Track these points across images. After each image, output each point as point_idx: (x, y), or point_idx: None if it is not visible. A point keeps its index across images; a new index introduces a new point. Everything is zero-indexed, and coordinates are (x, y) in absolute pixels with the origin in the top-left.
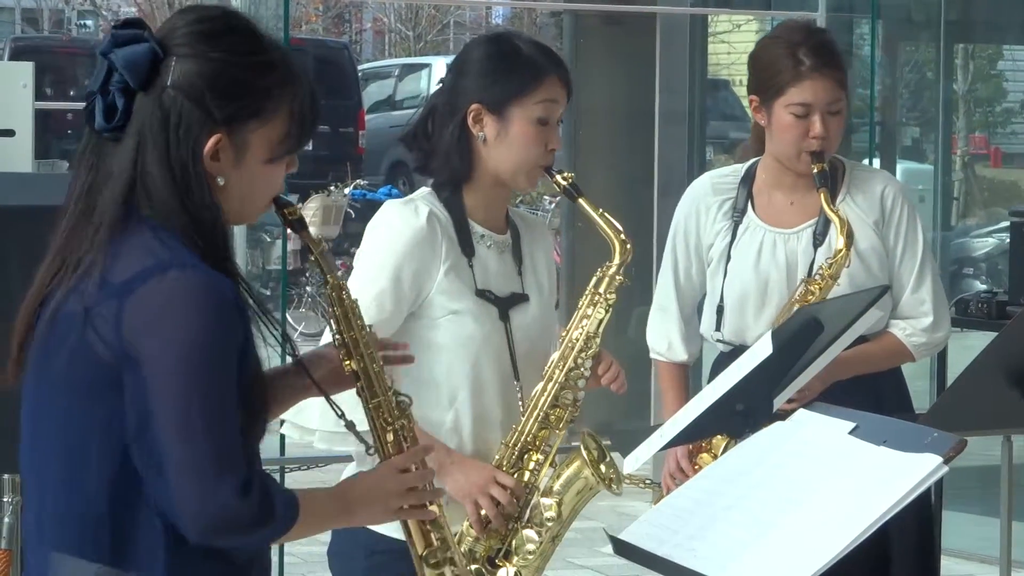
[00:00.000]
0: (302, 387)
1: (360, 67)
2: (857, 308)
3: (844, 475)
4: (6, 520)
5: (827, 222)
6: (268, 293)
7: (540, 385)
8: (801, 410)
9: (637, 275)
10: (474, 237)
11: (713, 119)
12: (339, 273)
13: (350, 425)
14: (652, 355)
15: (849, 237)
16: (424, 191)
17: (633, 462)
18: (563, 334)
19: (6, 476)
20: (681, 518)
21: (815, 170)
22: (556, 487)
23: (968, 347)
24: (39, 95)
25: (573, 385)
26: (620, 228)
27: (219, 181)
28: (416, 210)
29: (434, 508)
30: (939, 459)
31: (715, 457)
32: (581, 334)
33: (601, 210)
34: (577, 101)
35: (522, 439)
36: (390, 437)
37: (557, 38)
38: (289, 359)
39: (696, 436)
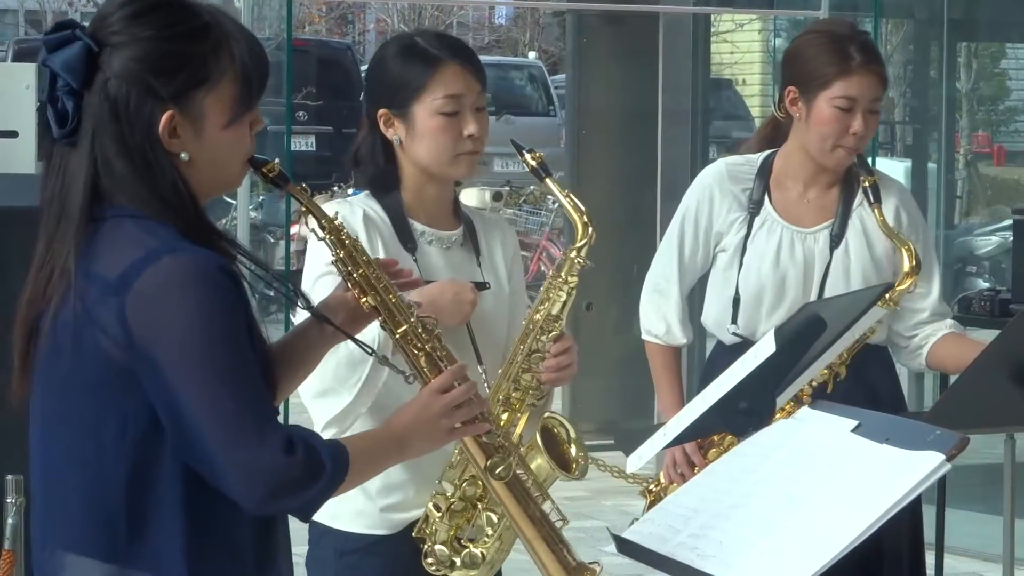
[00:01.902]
0: (322, 339)
1: (363, 68)
2: (860, 306)
3: (847, 473)
4: (9, 521)
5: (843, 224)
6: (272, 294)
7: (502, 368)
8: (804, 408)
9: (640, 273)
10: (415, 234)
11: (716, 118)
12: (333, 214)
13: (384, 359)
14: (647, 337)
15: (917, 264)
16: (364, 194)
17: (636, 461)
18: (526, 318)
19: (9, 477)
20: (684, 516)
21: (866, 183)
22: None
23: None
24: (42, 97)
25: (535, 367)
26: (584, 210)
27: (183, 157)
28: (351, 212)
29: (486, 421)
30: (942, 457)
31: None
32: (542, 316)
33: (567, 191)
34: (580, 100)
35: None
36: (424, 360)
37: (560, 38)
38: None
39: (699, 434)
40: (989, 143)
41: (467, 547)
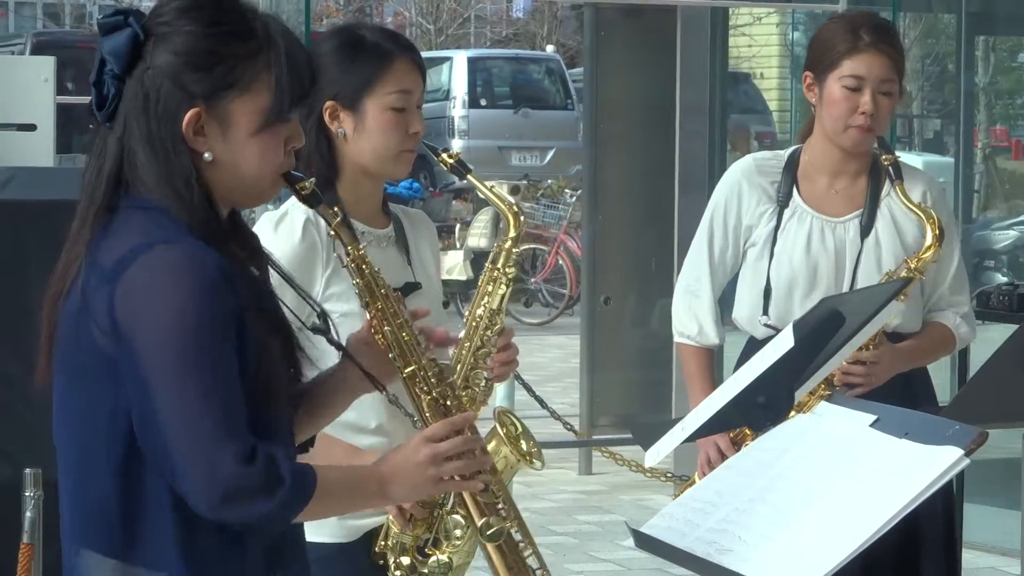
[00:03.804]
0: (345, 384)
1: None
2: (879, 300)
3: (866, 467)
4: (28, 514)
5: (872, 212)
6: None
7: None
8: (823, 403)
9: (659, 267)
10: (357, 234)
11: (734, 112)
12: (360, 245)
13: (394, 399)
14: (679, 339)
15: (940, 234)
16: None
17: (654, 456)
18: (467, 313)
19: (28, 471)
20: (703, 511)
21: (887, 162)
22: None
23: (989, 339)
24: (60, 90)
25: (482, 364)
26: (512, 201)
27: (207, 157)
28: (291, 226)
29: (483, 478)
30: (960, 452)
31: None
32: (484, 311)
33: (491, 185)
34: (597, 94)
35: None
36: (424, 405)
37: (578, 31)
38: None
39: (718, 429)
40: (1007, 137)
41: (432, 554)
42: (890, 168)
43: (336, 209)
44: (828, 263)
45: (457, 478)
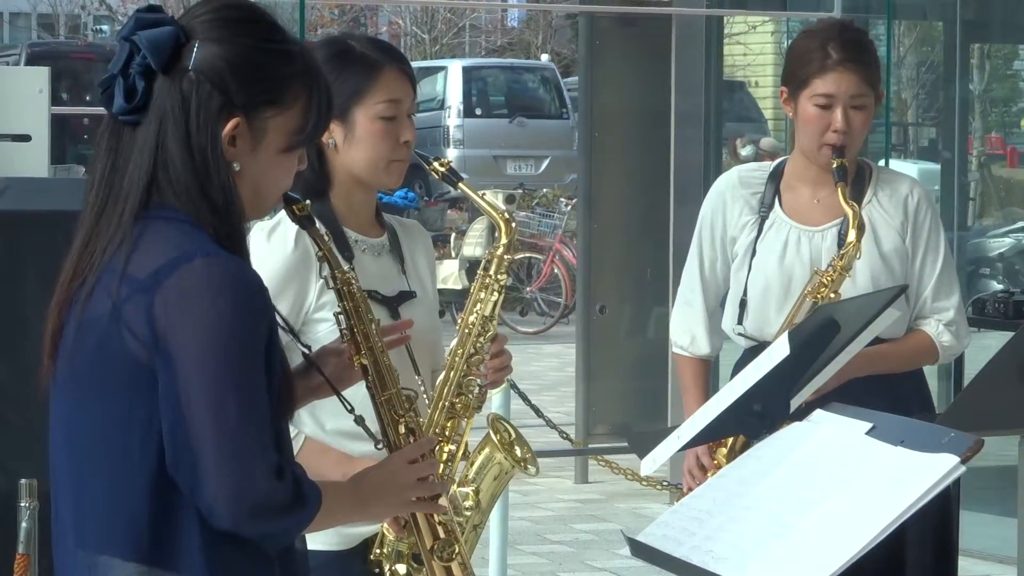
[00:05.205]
0: (310, 389)
1: None
2: (875, 308)
3: (861, 476)
4: (23, 525)
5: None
6: None
7: (442, 375)
8: (818, 410)
9: (654, 276)
10: (350, 243)
11: (729, 120)
12: (347, 267)
13: (359, 420)
14: (674, 349)
15: (860, 229)
16: None
17: (650, 464)
18: (460, 320)
19: (23, 481)
20: (698, 519)
21: (834, 164)
22: (471, 475)
23: (985, 347)
24: (55, 100)
25: (475, 370)
26: (503, 208)
27: (235, 167)
28: (284, 235)
29: (444, 500)
30: (956, 459)
31: (731, 451)
32: (477, 318)
33: (483, 193)
34: (592, 103)
35: (431, 431)
36: (402, 430)
37: (573, 40)
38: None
39: (714, 437)
40: (1002, 145)
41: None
42: (835, 171)
43: (325, 234)
44: (803, 272)
45: (419, 499)
